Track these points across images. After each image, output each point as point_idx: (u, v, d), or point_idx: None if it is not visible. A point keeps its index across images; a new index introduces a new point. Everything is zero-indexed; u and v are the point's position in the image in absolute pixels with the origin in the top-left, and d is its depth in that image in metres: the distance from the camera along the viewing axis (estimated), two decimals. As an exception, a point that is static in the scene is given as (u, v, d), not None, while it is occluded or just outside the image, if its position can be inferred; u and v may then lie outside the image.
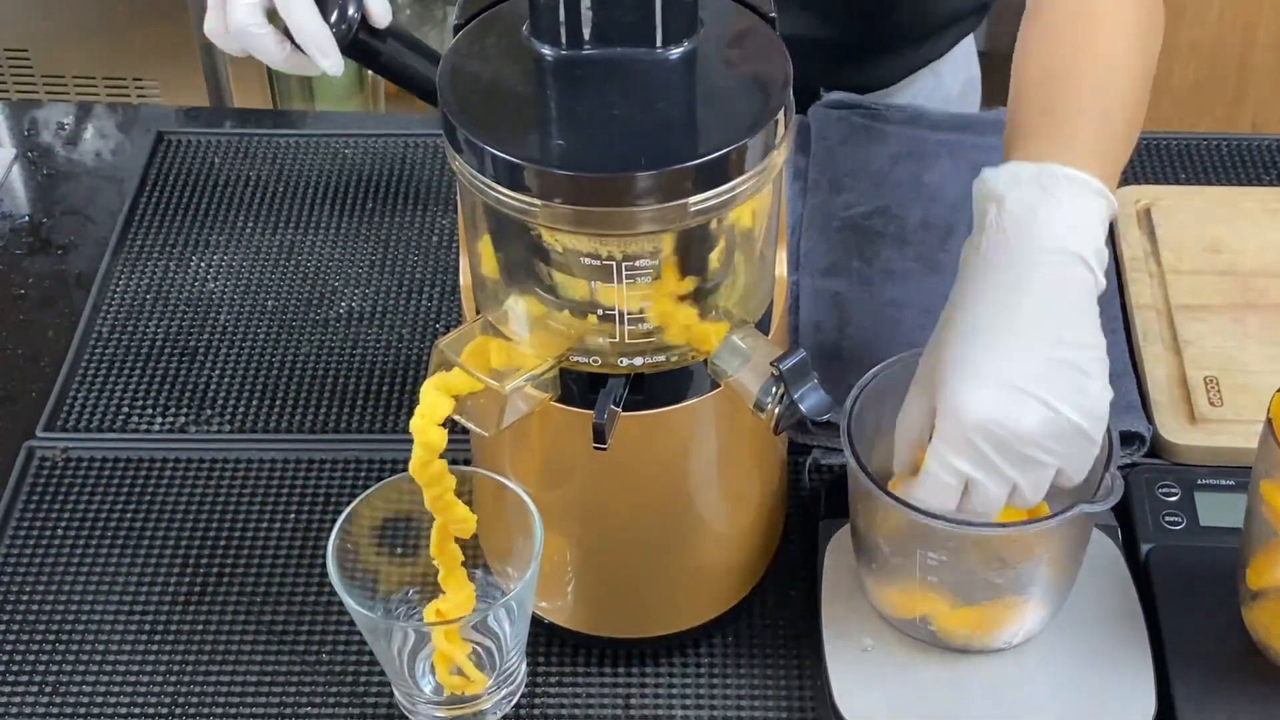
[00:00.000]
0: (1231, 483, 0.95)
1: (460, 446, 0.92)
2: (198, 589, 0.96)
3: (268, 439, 1.04)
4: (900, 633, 0.87)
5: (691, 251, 0.73)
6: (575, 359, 0.76)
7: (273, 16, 0.88)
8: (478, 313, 0.80)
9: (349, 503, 0.84)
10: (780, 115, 0.73)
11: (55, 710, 0.89)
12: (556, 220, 0.70)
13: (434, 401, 0.76)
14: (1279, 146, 1.25)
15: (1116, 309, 1.09)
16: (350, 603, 0.80)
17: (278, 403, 1.07)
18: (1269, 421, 0.80)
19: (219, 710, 0.89)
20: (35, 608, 0.95)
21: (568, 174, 0.69)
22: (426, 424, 0.77)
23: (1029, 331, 0.79)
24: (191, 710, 0.89)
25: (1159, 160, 1.24)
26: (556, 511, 0.84)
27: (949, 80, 1.35)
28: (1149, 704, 0.83)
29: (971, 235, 0.83)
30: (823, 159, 1.21)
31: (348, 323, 1.13)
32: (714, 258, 0.74)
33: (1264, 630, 0.86)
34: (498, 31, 0.78)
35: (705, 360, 0.77)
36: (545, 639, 0.92)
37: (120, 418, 1.06)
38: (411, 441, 0.78)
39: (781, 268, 0.82)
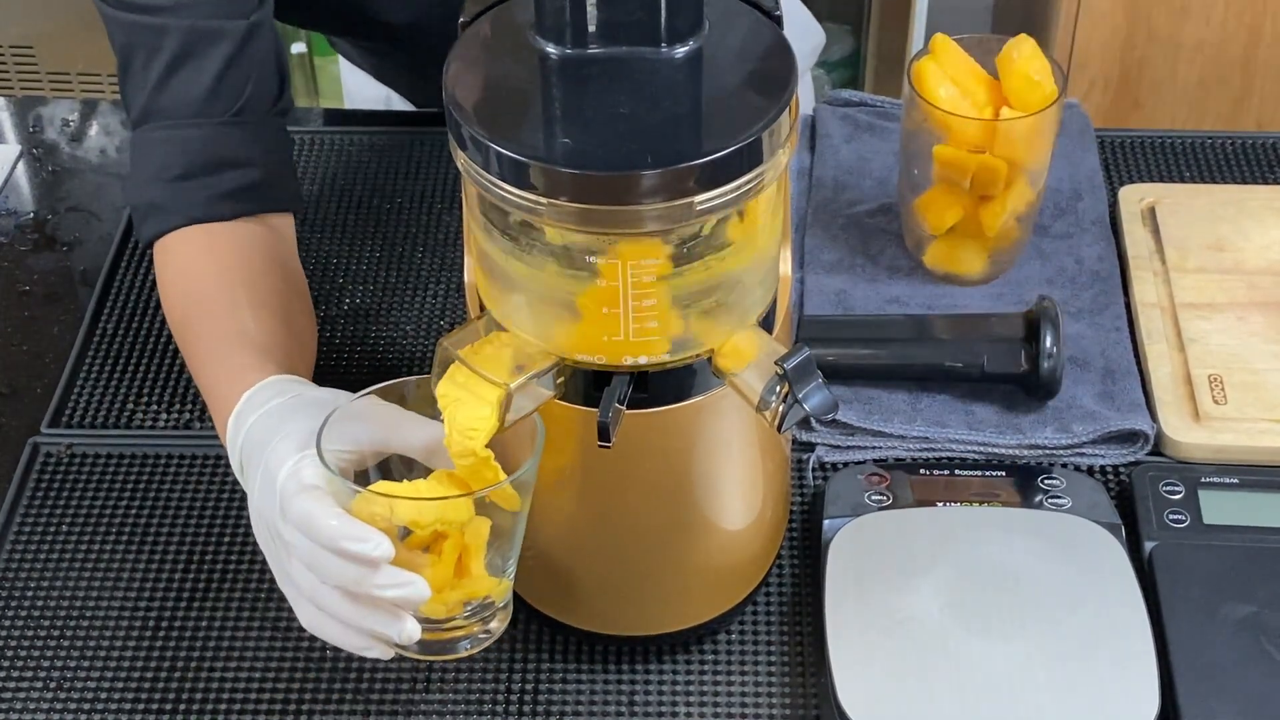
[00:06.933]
0: (1235, 481, 0.96)
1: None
2: (202, 585, 0.96)
3: (272, 435, 1.04)
4: (904, 631, 0.87)
5: (696, 249, 0.73)
6: (579, 356, 0.76)
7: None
8: (482, 309, 0.80)
9: None
10: (785, 113, 0.73)
11: (60, 706, 0.90)
12: (562, 218, 0.70)
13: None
14: (1284, 145, 1.25)
15: (1121, 307, 1.09)
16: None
17: (282, 399, 1.07)
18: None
19: (223, 706, 0.89)
20: (40, 604, 0.95)
21: (573, 172, 0.69)
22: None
23: None
24: (196, 706, 0.89)
25: (1163, 158, 1.24)
26: (561, 509, 0.84)
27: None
28: (1152, 702, 0.83)
29: None
30: (827, 156, 1.21)
31: (353, 318, 1.13)
32: (719, 256, 0.74)
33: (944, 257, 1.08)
34: (503, 30, 0.78)
35: (709, 358, 0.77)
36: (550, 636, 0.92)
37: (125, 414, 1.06)
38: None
39: (786, 265, 0.82)
